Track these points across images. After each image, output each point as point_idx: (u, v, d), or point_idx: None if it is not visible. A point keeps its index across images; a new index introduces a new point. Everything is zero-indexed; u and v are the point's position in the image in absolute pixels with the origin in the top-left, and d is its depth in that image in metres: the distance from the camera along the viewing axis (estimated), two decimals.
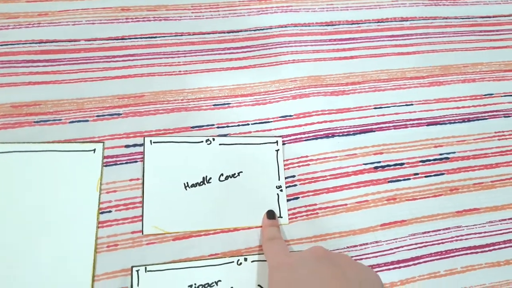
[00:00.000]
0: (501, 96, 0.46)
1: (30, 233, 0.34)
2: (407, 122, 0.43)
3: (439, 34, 0.49)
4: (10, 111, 0.38)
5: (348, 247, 0.37)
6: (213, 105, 0.41)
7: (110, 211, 0.35)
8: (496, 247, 0.38)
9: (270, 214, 0.36)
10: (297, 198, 0.38)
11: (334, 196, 0.38)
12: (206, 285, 0.34)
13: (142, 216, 0.35)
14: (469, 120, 0.44)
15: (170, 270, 0.34)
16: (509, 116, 0.45)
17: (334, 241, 0.37)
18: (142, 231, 0.35)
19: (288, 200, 0.38)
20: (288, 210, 0.37)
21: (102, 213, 0.35)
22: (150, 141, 0.38)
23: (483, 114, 0.45)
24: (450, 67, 0.47)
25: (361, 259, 0.36)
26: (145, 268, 0.33)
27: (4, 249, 0.33)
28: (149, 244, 0.35)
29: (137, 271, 0.33)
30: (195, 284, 0.34)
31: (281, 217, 0.37)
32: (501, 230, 0.39)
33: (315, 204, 0.38)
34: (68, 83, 0.40)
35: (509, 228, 0.39)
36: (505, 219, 0.40)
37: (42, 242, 0.33)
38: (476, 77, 0.47)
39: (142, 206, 0.36)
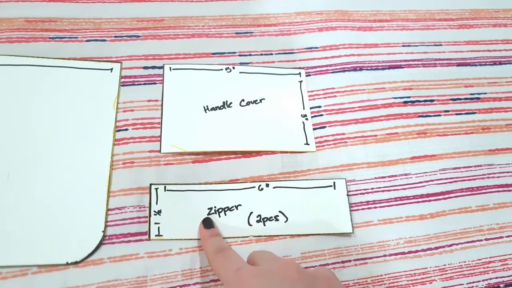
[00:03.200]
0: None
1: (44, 148, 0.32)
2: (436, 61, 0.41)
3: None
4: (24, 25, 0.36)
5: (376, 178, 0.35)
6: (235, 33, 0.39)
7: (126, 129, 0.33)
8: None
9: (207, 223, 0.30)
10: (324, 127, 0.36)
11: (363, 126, 0.36)
12: (225, 209, 0.32)
13: (160, 136, 0.33)
14: (500, 63, 0.42)
15: (190, 191, 0.32)
16: None
17: (362, 171, 0.35)
18: (160, 150, 0.33)
19: (314, 129, 0.36)
20: (315, 138, 0.35)
21: (118, 131, 0.33)
22: (170, 67, 0.37)
23: None
24: (481, 11, 0.46)
25: (390, 190, 0.34)
26: (164, 187, 0.32)
27: (18, 165, 0.31)
28: (167, 164, 0.33)
29: (156, 189, 0.31)
30: (214, 207, 0.32)
31: (308, 144, 0.35)
32: None
33: (343, 134, 0.36)
34: (85, 2, 0.38)
35: None
36: None
37: (56, 157, 0.32)
38: (508, 22, 0.45)
39: (161, 127, 0.34)
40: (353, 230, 0.32)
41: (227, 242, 0.31)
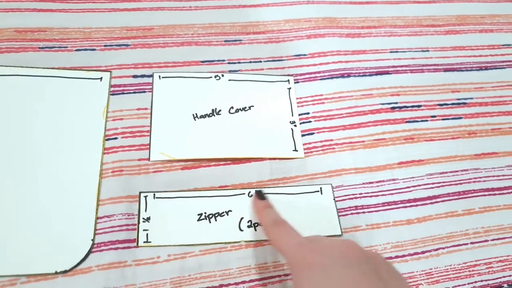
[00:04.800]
0: None
1: (34, 157, 0.32)
2: (424, 67, 0.42)
3: None
4: (14, 35, 0.36)
5: (364, 183, 0.35)
6: (224, 41, 0.40)
7: (116, 138, 0.34)
8: None
9: (260, 195, 0.32)
10: (312, 133, 0.37)
11: (351, 133, 0.37)
12: (216, 214, 0.32)
13: (149, 144, 0.34)
14: (486, 68, 0.43)
15: (179, 198, 0.32)
16: None
17: (350, 176, 0.35)
18: (149, 158, 0.33)
19: (302, 135, 0.36)
20: (303, 144, 0.36)
21: (108, 139, 0.33)
22: (159, 76, 0.37)
23: (501, 63, 0.44)
24: (467, 17, 0.46)
25: (377, 195, 0.35)
26: (154, 194, 0.32)
27: (8, 174, 0.31)
28: (156, 172, 0.33)
29: (145, 197, 0.32)
30: (205, 213, 0.32)
31: (297, 151, 0.35)
32: None
33: (331, 140, 0.36)
34: (75, 12, 0.38)
35: None
36: None
37: (46, 166, 0.32)
38: (494, 28, 0.46)
39: (150, 135, 0.34)
40: (341, 233, 0.33)
41: (218, 248, 0.31)
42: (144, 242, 0.30)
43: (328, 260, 0.23)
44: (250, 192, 0.33)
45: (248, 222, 0.32)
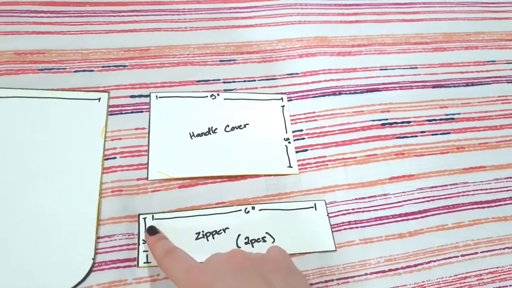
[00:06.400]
0: (504, 63, 0.47)
1: (34, 177, 0.32)
2: (412, 84, 0.43)
3: (442, 4, 0.50)
4: (13, 58, 0.37)
5: (356, 199, 0.36)
6: (219, 60, 0.41)
7: (114, 158, 0.34)
8: (502, 203, 0.38)
9: (151, 230, 0.31)
10: (306, 150, 0.38)
11: (343, 149, 0.38)
12: (213, 233, 0.33)
13: (147, 163, 0.35)
14: (472, 84, 0.45)
15: (177, 218, 0.33)
16: None
17: (343, 192, 0.36)
18: (147, 177, 0.34)
19: (297, 152, 0.37)
20: (298, 161, 0.37)
21: (106, 159, 0.34)
22: (156, 95, 0.38)
23: (487, 79, 0.45)
24: (453, 35, 0.48)
25: (370, 210, 0.36)
26: (152, 216, 0.33)
27: (8, 194, 0.32)
28: (154, 191, 0.34)
29: (144, 218, 0.32)
30: (202, 231, 0.33)
31: (291, 167, 0.36)
32: (507, 187, 0.39)
33: (325, 156, 0.37)
34: (73, 34, 0.39)
35: None
36: (511, 177, 0.40)
37: (46, 186, 0.32)
38: (479, 44, 0.48)
39: (148, 154, 0.35)
40: (335, 248, 0.34)
41: None
42: (145, 262, 0.31)
43: (214, 277, 0.24)
44: (246, 208, 0.34)
45: (245, 238, 0.33)
